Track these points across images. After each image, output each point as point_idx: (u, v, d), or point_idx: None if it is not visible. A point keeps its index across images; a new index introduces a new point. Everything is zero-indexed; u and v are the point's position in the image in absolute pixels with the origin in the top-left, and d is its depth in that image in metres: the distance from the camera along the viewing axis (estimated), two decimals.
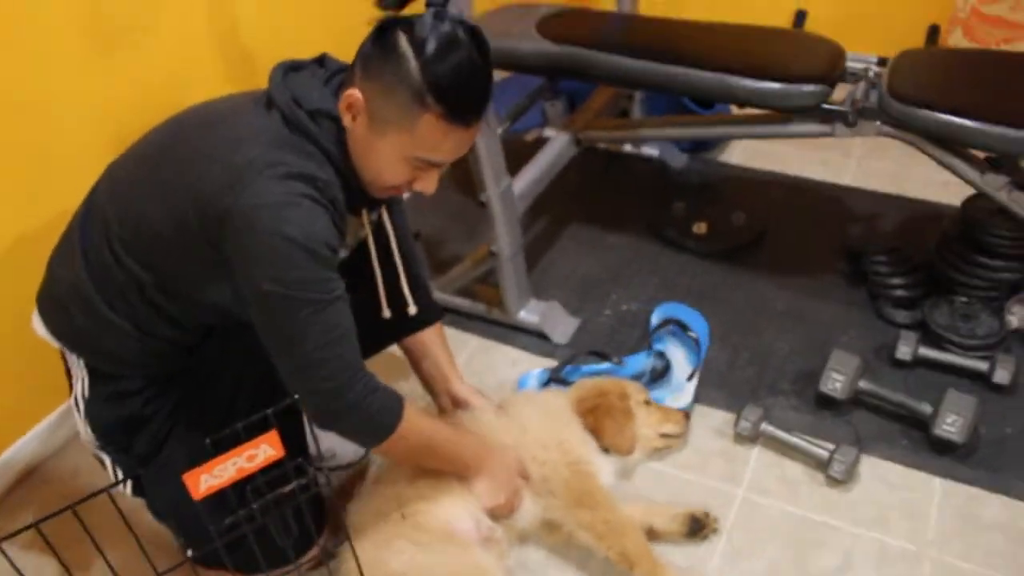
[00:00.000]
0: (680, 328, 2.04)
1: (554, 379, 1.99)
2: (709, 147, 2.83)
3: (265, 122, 1.25)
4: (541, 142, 2.34)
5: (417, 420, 1.43)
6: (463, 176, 2.01)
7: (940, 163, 1.88)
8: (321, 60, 1.34)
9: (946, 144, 1.85)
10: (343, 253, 1.45)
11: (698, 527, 1.65)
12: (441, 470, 1.54)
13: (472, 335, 2.20)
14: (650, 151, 2.79)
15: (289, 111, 1.24)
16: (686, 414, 1.82)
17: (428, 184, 1.33)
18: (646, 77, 2.00)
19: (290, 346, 1.25)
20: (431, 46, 1.18)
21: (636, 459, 1.77)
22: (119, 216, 1.31)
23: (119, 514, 1.03)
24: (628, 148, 2.85)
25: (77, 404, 1.45)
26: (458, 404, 1.74)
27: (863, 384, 1.83)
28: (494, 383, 2.04)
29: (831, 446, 1.72)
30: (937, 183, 2.53)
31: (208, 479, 0.97)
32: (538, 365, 2.07)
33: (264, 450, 0.99)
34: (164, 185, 1.26)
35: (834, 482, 1.70)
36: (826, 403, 1.85)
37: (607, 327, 2.16)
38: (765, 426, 1.79)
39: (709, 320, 2.08)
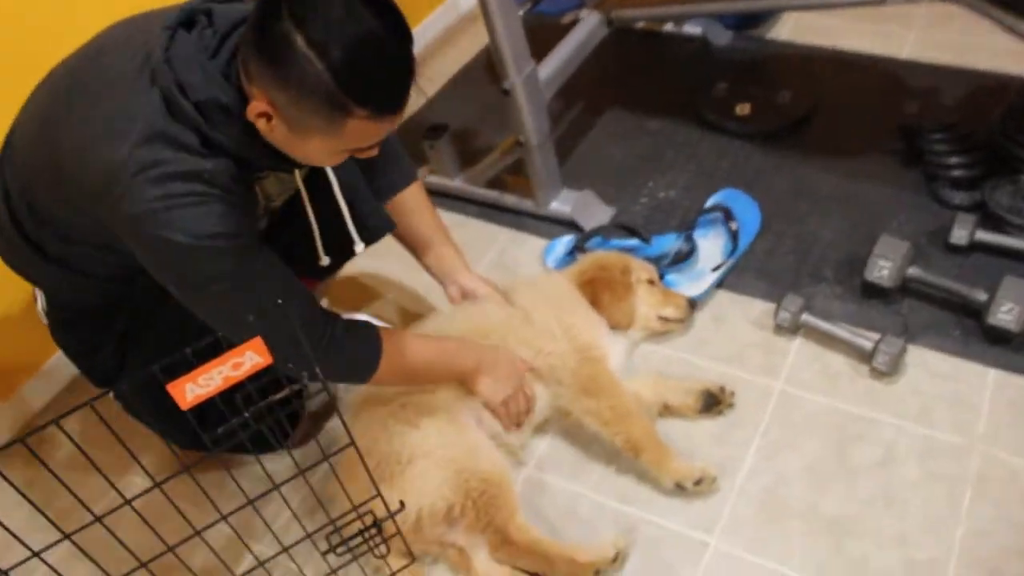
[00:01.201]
0: (725, 217, 1.94)
1: (579, 248, 1.94)
2: (756, 23, 2.64)
3: (146, 101, 1.10)
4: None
5: (400, 346, 1.41)
6: (493, 66, 1.90)
7: (1009, 30, 1.70)
8: (210, 13, 1.16)
9: (1017, 6, 1.67)
10: (277, 202, 1.40)
11: (713, 402, 1.61)
12: (441, 382, 1.53)
13: (503, 227, 2.13)
14: (692, 29, 2.61)
15: (171, 97, 1.09)
16: (691, 302, 1.76)
17: (369, 154, 1.21)
18: None
19: (234, 330, 1.17)
20: (334, 44, 1.00)
21: (637, 336, 1.75)
22: (28, 169, 1.25)
23: (105, 425, 1.02)
24: (668, 27, 2.68)
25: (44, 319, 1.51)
26: (466, 294, 1.70)
27: (912, 271, 1.72)
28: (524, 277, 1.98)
29: (876, 336, 1.63)
30: (1006, 53, 2.32)
31: (194, 388, 0.94)
32: None
33: (250, 357, 0.95)
34: (58, 160, 1.16)
35: (878, 374, 1.62)
36: (872, 292, 1.75)
37: (642, 215, 2.07)
38: (806, 316, 1.71)
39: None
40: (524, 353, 1.61)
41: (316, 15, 1.00)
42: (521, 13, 1.82)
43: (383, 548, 1.32)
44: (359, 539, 1.28)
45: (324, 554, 1.27)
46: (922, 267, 1.73)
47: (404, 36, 1.07)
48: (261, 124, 1.11)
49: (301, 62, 1.00)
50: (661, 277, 1.84)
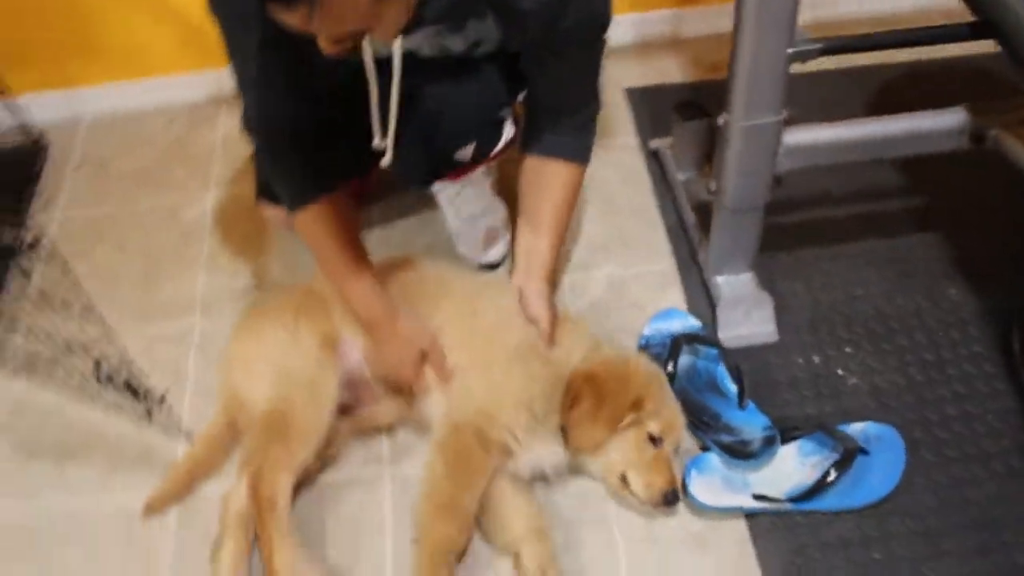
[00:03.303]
0: (847, 457, 1.35)
1: (684, 343, 1.50)
2: None
3: None
4: None
5: (323, 231, 1.33)
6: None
7: None
8: None
9: None
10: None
11: None
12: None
13: (671, 260, 1.73)
14: None
15: None
16: (674, 493, 1.31)
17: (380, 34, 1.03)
18: None
19: None
20: None
21: (584, 468, 1.38)
22: None
23: None
24: None
25: None
26: (521, 303, 1.44)
27: None
28: (619, 323, 1.61)
29: None
30: None
31: None
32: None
33: None
34: None
35: None
36: None
37: (792, 375, 1.51)
38: None
39: (909, 485, 1.36)
40: (461, 357, 1.39)
41: None
42: (789, 50, 1.28)
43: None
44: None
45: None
46: None
47: None
48: None
49: None
50: (703, 449, 1.39)
